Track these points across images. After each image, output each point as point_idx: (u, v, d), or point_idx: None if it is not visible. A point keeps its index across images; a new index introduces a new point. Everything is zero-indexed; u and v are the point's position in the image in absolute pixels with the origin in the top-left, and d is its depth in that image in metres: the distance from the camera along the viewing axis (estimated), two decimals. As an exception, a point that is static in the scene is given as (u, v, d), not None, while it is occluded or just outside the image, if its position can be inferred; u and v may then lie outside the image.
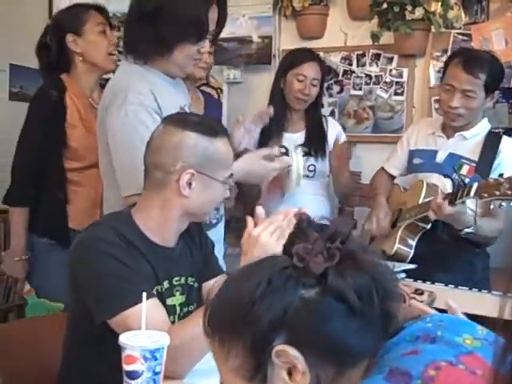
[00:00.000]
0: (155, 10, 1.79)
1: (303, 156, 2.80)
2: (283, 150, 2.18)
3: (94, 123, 2.38)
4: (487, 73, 2.26)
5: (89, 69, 2.41)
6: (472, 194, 2.06)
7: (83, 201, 2.38)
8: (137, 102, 1.76)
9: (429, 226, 2.33)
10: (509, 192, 1.99)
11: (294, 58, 2.82)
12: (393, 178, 2.65)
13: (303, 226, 0.85)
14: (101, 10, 2.45)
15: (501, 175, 2.06)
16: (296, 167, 2.35)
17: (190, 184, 1.49)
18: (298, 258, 0.81)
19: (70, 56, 2.40)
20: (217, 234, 2.01)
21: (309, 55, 2.83)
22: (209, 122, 1.58)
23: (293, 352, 0.78)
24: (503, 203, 2.07)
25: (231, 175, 1.56)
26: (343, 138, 2.90)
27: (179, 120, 1.55)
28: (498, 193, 2.01)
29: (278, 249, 0.90)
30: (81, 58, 2.39)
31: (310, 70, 2.76)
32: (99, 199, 2.37)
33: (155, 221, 1.52)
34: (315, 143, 2.82)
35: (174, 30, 1.79)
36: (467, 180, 2.22)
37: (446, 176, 2.34)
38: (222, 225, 2.14)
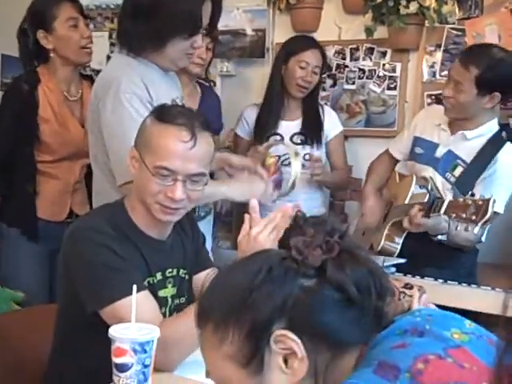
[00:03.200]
0: (150, 4, 1.78)
1: (299, 144, 2.80)
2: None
3: (68, 117, 2.39)
4: (481, 68, 2.14)
5: (63, 62, 2.39)
6: (442, 211, 2.02)
7: (53, 191, 2.40)
8: (130, 91, 1.76)
9: None
10: (473, 217, 1.91)
11: (297, 45, 2.81)
12: (396, 161, 2.61)
13: (300, 222, 0.87)
14: (73, 0, 2.41)
15: (472, 195, 1.98)
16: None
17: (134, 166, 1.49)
18: (297, 250, 0.83)
19: (44, 48, 2.37)
20: (205, 227, 2.01)
21: (312, 42, 2.83)
22: (176, 110, 1.51)
23: (293, 336, 0.80)
24: (469, 227, 1.95)
25: (165, 169, 1.42)
26: (339, 127, 2.90)
27: (155, 109, 1.54)
28: (464, 215, 1.93)
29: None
30: (52, 55, 2.37)
31: (312, 57, 2.76)
32: (70, 190, 2.40)
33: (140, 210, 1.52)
34: (312, 132, 2.82)
35: (168, 25, 1.78)
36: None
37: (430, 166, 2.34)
38: (210, 218, 2.14)
